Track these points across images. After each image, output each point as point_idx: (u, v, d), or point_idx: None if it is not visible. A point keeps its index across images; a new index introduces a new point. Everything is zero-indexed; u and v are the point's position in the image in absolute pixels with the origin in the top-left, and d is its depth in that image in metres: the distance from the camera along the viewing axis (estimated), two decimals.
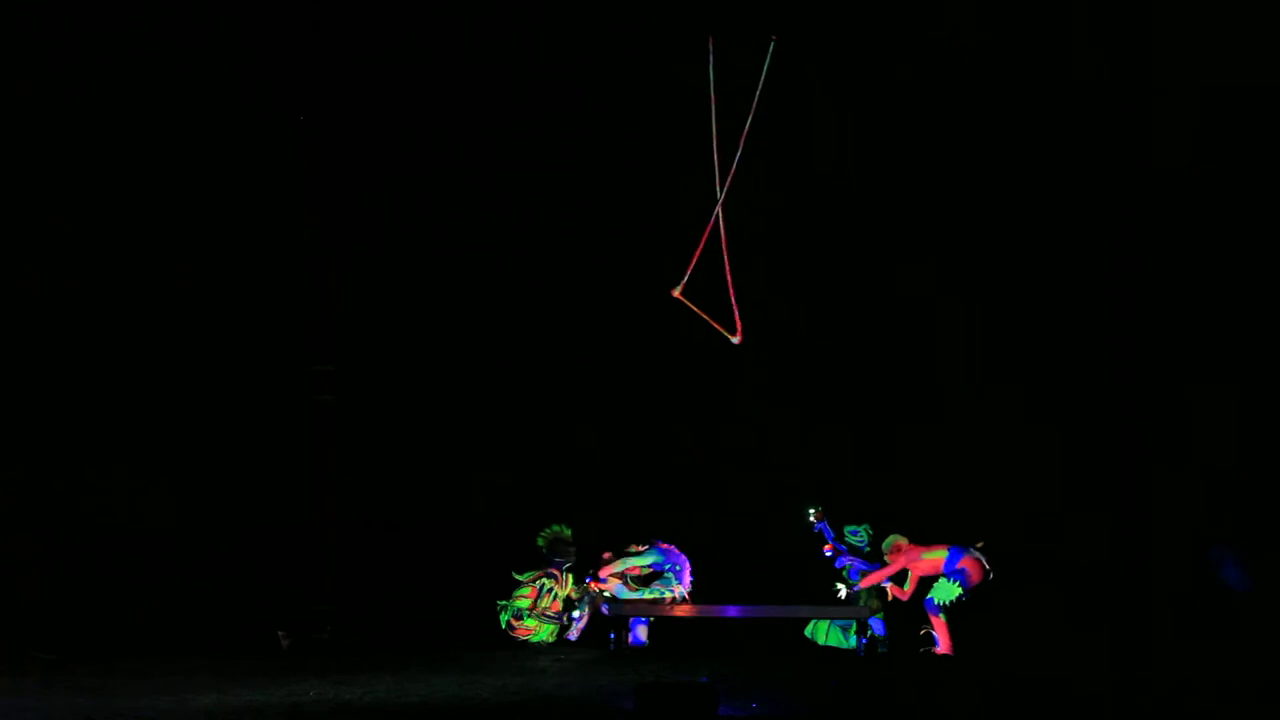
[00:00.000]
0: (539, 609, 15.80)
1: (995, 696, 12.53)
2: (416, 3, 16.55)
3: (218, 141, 16.63)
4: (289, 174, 16.83)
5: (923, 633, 15.08)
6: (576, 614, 15.98)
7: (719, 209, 15.19)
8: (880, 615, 15.56)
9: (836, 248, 17.02)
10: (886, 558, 15.42)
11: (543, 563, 15.98)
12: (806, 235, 17.02)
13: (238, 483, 16.79)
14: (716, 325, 15.17)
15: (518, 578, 15.89)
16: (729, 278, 15.10)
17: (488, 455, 17.04)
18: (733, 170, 15.16)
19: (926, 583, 15.14)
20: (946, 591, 14.89)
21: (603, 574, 15.94)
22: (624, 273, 16.86)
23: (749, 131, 15.06)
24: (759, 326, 15.43)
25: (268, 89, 16.62)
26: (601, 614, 15.76)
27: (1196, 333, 15.95)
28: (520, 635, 15.84)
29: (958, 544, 15.02)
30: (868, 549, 15.73)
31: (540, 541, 15.98)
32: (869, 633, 15.27)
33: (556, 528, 16.04)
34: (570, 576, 15.94)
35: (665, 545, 16.02)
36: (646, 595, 15.84)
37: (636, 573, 15.93)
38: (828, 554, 15.76)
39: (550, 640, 15.82)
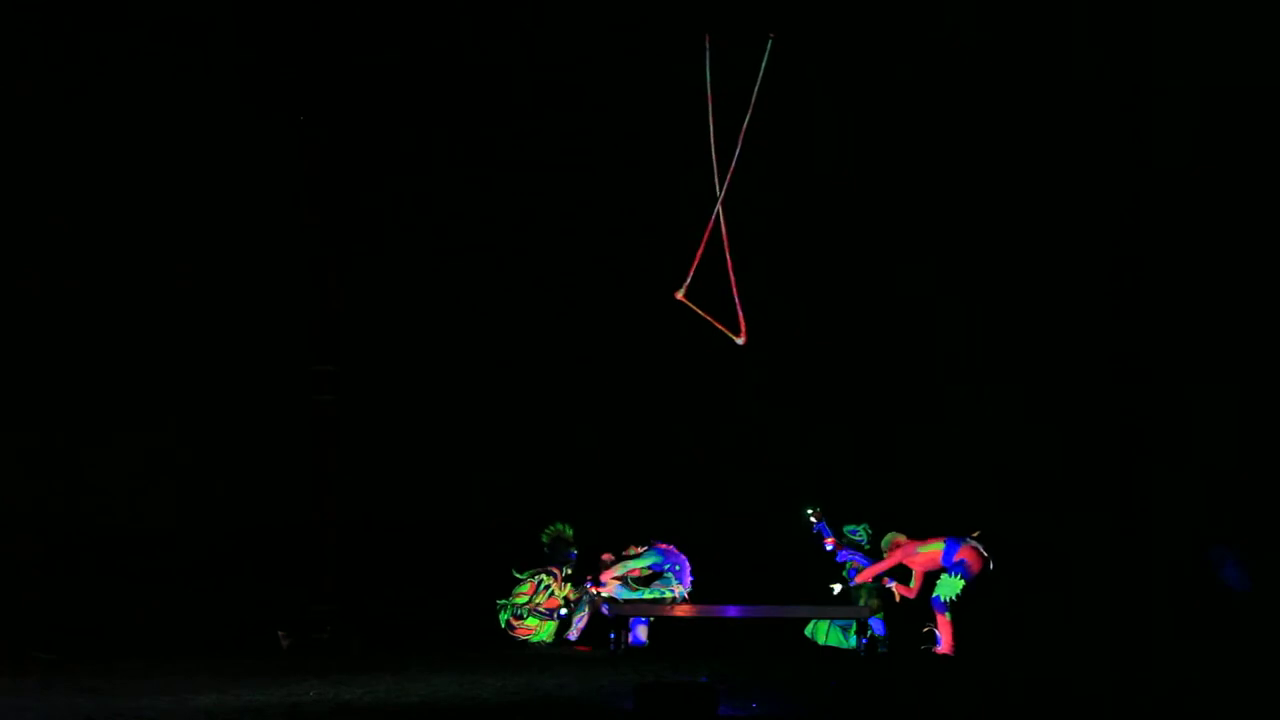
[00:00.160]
0: (534, 604, 15.82)
1: (995, 696, 12.53)
2: (417, 3, 16.54)
3: (218, 141, 16.63)
4: (289, 174, 16.83)
5: (925, 630, 15.08)
6: (577, 617, 16.00)
7: (719, 208, 15.19)
8: (880, 615, 15.56)
9: (836, 248, 17.01)
10: (885, 555, 15.43)
11: (544, 561, 16.01)
12: (806, 235, 17.01)
13: (238, 483, 16.80)
14: (720, 326, 15.16)
15: (517, 575, 15.92)
16: (732, 278, 15.09)
17: (488, 455, 17.04)
18: (731, 169, 15.16)
19: (931, 582, 15.13)
20: (951, 587, 14.89)
21: (603, 578, 15.94)
22: (623, 273, 16.86)
23: (747, 130, 15.06)
24: (759, 326, 15.42)
25: (268, 89, 16.61)
26: (601, 614, 15.76)
27: (1196, 333, 15.94)
28: (520, 635, 15.86)
29: (954, 535, 15.04)
30: (867, 546, 15.76)
31: (545, 538, 16.00)
32: (869, 633, 15.27)
33: (559, 526, 16.05)
34: (569, 585, 15.95)
35: (664, 545, 16.03)
36: (647, 595, 15.84)
37: (637, 574, 15.94)
38: (829, 548, 15.76)
39: (550, 640, 15.84)
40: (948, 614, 14.90)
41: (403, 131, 17.05)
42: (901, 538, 15.40)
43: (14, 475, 16.24)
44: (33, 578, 16.07)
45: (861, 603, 15.46)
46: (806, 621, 15.81)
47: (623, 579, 15.91)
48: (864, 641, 15.20)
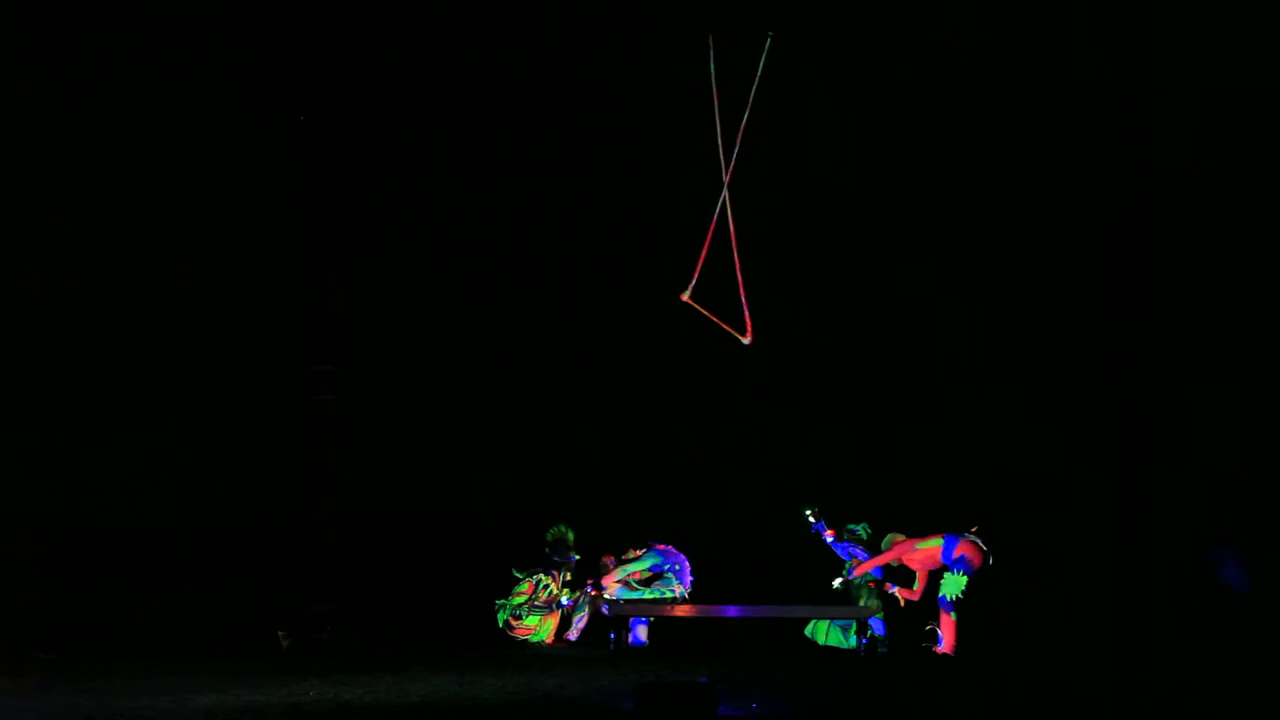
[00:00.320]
0: (532, 601, 15.83)
1: (995, 696, 12.52)
2: (417, 3, 16.54)
3: (217, 141, 16.63)
4: (289, 174, 16.83)
5: (928, 628, 15.07)
6: (577, 617, 16.00)
7: (722, 207, 15.17)
8: (880, 615, 15.55)
9: (836, 247, 17.01)
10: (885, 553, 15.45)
11: (543, 562, 16.01)
12: (806, 235, 17.01)
13: (238, 483, 16.80)
14: (726, 326, 15.14)
15: (517, 574, 15.92)
16: (739, 278, 15.07)
17: (488, 455, 17.04)
18: (730, 168, 15.15)
19: (936, 582, 15.11)
20: (955, 584, 14.88)
21: (604, 582, 15.94)
22: (624, 273, 16.86)
23: (745, 128, 15.05)
24: (759, 326, 15.40)
25: (267, 89, 16.61)
26: (601, 614, 15.76)
27: (1196, 333, 15.94)
28: (519, 635, 15.86)
29: (952, 531, 15.04)
30: (866, 542, 15.76)
31: (549, 537, 16.02)
32: (869, 633, 15.26)
33: (560, 529, 16.05)
34: (568, 589, 15.95)
35: (662, 546, 16.02)
36: (648, 595, 15.84)
37: (638, 576, 15.94)
38: (829, 539, 15.74)
39: (549, 640, 15.84)
40: (953, 614, 14.88)
41: (403, 131, 17.05)
42: (901, 537, 15.39)
43: (14, 475, 16.24)
44: (33, 578, 16.07)
45: (862, 603, 15.46)
46: (806, 621, 15.81)
47: (624, 581, 15.92)
48: (864, 641, 15.19)
